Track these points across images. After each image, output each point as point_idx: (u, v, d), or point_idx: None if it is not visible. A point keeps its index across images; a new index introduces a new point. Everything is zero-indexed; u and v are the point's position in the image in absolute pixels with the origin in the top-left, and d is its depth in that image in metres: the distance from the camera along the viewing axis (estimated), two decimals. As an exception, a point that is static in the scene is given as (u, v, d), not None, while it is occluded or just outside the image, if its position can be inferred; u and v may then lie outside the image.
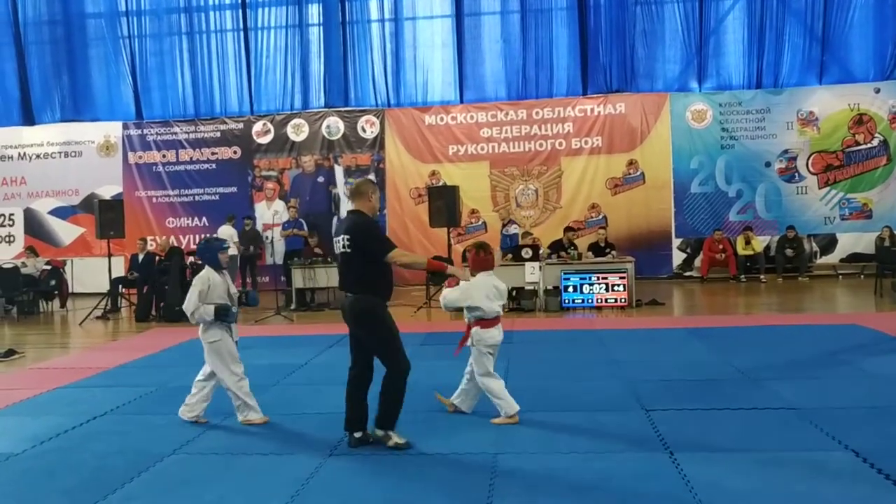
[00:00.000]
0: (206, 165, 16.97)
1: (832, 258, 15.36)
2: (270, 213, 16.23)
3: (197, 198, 16.95)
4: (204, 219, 16.83)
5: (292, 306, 12.89)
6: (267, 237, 13.97)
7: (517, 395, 5.61)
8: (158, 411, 6.24)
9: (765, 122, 15.55)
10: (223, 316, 5.63)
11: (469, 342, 5.52)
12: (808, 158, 15.47)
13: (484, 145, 16.24)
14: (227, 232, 15.49)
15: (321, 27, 16.60)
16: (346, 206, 16.50)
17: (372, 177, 16.41)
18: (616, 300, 11.73)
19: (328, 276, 12.75)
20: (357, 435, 5.05)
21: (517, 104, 16.16)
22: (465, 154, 16.28)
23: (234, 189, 16.85)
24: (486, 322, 5.48)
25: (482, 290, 5.48)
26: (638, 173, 15.84)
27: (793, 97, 15.51)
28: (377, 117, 16.51)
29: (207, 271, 5.78)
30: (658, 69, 15.93)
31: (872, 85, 15.31)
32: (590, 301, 11.76)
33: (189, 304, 5.64)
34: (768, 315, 10.77)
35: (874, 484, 4.08)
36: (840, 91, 15.40)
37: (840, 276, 14.94)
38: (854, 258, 15.14)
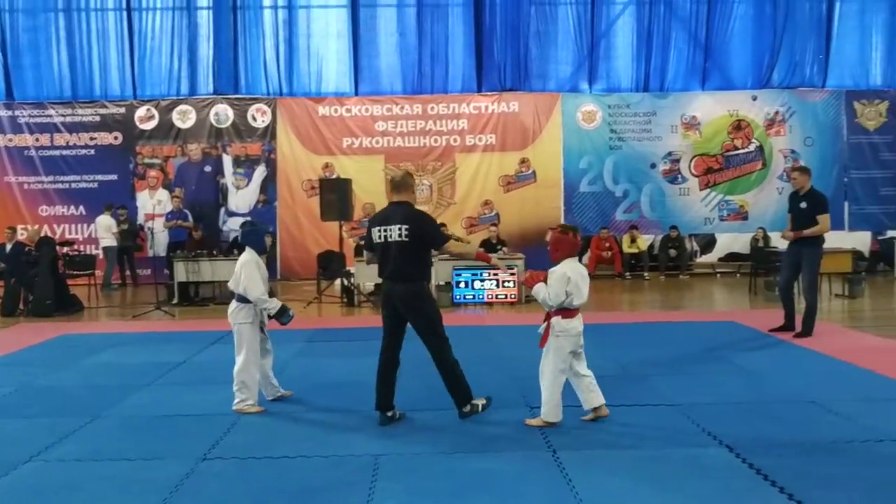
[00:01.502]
0: (83, 151, 16.01)
1: (711, 257, 16.05)
2: (153, 202, 15.49)
3: (73, 185, 15.99)
4: (81, 207, 15.89)
5: (174, 301, 12.33)
6: (149, 228, 13.32)
7: (403, 392, 5.52)
8: (17, 414, 5.80)
9: (651, 125, 16.06)
10: (282, 316, 5.77)
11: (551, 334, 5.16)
12: (691, 161, 16.10)
13: (379, 139, 16.06)
14: (105, 222, 14.78)
15: (211, 11, 15.95)
16: (234, 198, 16.00)
17: (263, 167, 15.98)
18: (506, 296, 11.84)
19: (213, 270, 12.27)
20: (388, 414, 5.35)
21: (412, 99, 16.07)
22: (360, 147, 16.06)
23: (114, 177, 15.98)
24: (570, 312, 5.15)
25: (579, 279, 5.12)
26: (530, 172, 16.06)
27: (677, 101, 16.08)
28: (269, 106, 16.04)
29: (252, 255, 5.77)
30: (551, 70, 16.17)
31: (750, 93, 16.08)
32: (480, 297, 11.82)
33: (257, 288, 5.64)
34: (651, 312, 11.12)
35: (747, 479, 4.20)
36: (720, 97, 16.09)
37: (718, 275, 15.62)
38: (731, 257, 15.86)
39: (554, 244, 5.28)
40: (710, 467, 4.39)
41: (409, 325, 5.39)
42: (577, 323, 5.18)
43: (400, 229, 5.20)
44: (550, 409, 5.17)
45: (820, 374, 6.69)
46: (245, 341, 5.68)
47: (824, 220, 8.20)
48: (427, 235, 5.28)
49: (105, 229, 14.74)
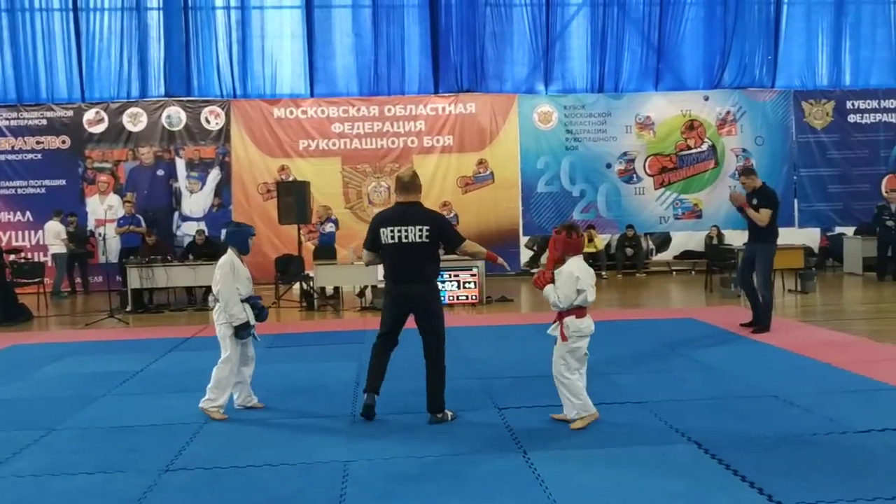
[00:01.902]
0: (30, 155, 15.56)
1: (667, 255, 16.28)
2: (104, 207, 15.11)
3: (20, 190, 15.52)
4: (28, 213, 15.46)
5: (128, 308, 12.03)
6: (100, 234, 12.99)
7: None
8: (-34, 429, 5.57)
9: (606, 126, 16.22)
10: (241, 330, 5.55)
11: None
12: (645, 161, 16.31)
13: (335, 141, 15.93)
14: (54, 228, 14.39)
15: (161, 11, 15.64)
16: (188, 202, 15.71)
17: (218, 170, 15.71)
18: (468, 297, 11.83)
19: (167, 276, 12.00)
20: (375, 397, 5.34)
21: (369, 100, 15.97)
22: (316, 149, 15.91)
23: (62, 182, 15.56)
24: (582, 310, 5.08)
25: (587, 276, 5.05)
26: (487, 172, 16.09)
27: (631, 102, 16.28)
28: (222, 108, 15.78)
29: (231, 256, 5.62)
30: (507, 71, 16.25)
31: (702, 93, 16.37)
32: (442, 299, 11.76)
33: (227, 288, 5.52)
34: (611, 310, 11.19)
35: (716, 474, 4.23)
36: (673, 98, 16.34)
37: (674, 273, 15.85)
38: (686, 255, 16.11)
39: (551, 246, 5.22)
40: (679, 463, 4.41)
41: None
42: (589, 322, 5.14)
43: (420, 230, 5.18)
44: (584, 404, 5.13)
45: (779, 369, 6.80)
46: (227, 341, 5.56)
47: (764, 212, 8.44)
48: (447, 235, 5.33)
49: (54, 236, 14.35)
